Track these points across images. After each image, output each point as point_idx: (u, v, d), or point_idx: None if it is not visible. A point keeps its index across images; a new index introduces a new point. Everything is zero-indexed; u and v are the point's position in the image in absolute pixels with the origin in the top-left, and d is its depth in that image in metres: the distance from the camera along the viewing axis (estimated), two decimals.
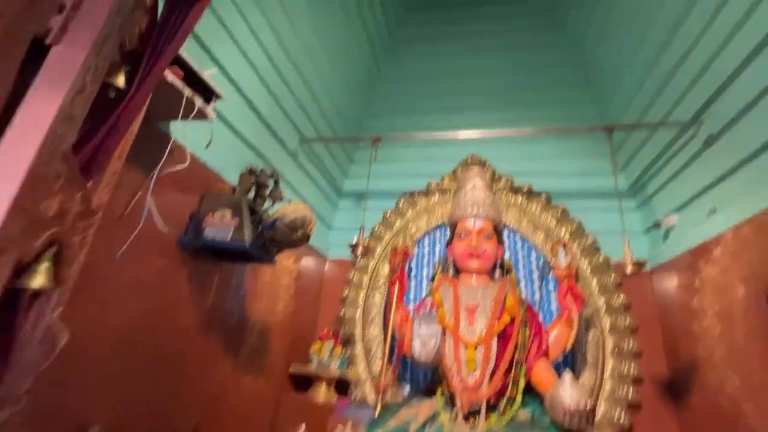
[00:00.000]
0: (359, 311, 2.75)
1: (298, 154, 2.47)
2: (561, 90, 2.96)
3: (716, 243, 1.89)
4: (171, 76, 1.10)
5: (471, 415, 1.82)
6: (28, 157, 0.55)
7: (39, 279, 0.61)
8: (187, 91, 1.16)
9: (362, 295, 2.79)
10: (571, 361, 2.36)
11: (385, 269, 2.81)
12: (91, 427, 1.11)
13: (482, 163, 2.88)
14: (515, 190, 2.83)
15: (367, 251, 2.14)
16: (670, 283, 2.31)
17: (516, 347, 1.95)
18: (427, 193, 2.99)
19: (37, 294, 0.63)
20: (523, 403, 1.88)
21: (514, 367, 1.92)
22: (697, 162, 1.98)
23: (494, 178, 2.85)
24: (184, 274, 1.57)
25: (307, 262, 2.79)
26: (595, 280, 2.47)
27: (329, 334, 2.62)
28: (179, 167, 1.30)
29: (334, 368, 2.45)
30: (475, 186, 2.39)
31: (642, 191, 2.55)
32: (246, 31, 1.79)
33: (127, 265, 1.25)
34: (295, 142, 2.41)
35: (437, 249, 2.90)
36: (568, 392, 1.63)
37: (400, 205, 2.98)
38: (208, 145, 1.25)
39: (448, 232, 2.83)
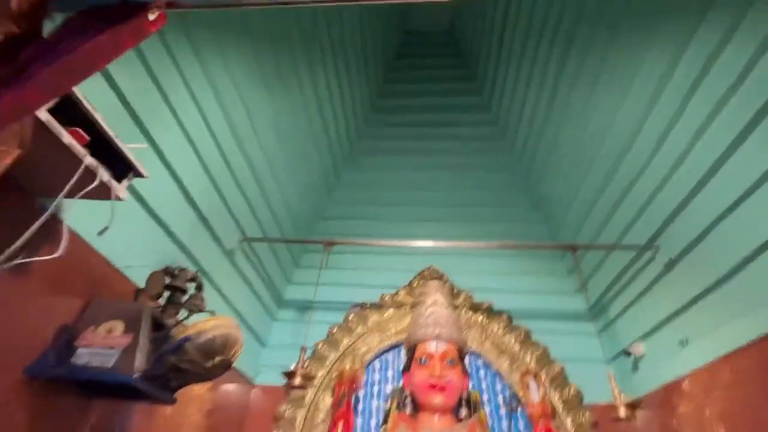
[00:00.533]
0: None
1: (235, 254, 2.12)
2: (514, 209, 3.05)
3: (691, 379, 1.74)
4: (68, 138, 0.82)
5: None
6: None
7: None
8: (89, 160, 0.87)
9: None
10: None
11: (327, 401, 2.29)
12: None
13: (441, 277, 2.70)
14: (475, 308, 2.62)
15: (307, 380, 1.70)
16: (648, 422, 2.06)
17: None
18: (380, 306, 2.68)
19: None
20: None
21: None
22: (660, 287, 1.94)
23: (453, 293, 2.65)
24: (32, 419, 1.04)
25: (226, 390, 2.20)
26: (569, 419, 2.15)
27: None
28: (55, 255, 0.93)
29: None
30: (437, 302, 2.15)
31: (603, 315, 2.45)
32: (195, 114, 1.61)
33: None
34: (234, 240, 2.08)
35: (390, 374, 2.47)
36: None
37: (349, 320, 2.60)
38: (102, 232, 0.92)
39: (404, 356, 2.46)
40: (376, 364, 2.50)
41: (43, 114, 0.76)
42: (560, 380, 2.28)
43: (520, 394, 2.21)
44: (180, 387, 1.18)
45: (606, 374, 1.73)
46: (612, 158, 2.03)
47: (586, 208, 2.38)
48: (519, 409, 2.23)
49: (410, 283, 2.76)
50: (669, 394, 1.91)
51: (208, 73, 1.62)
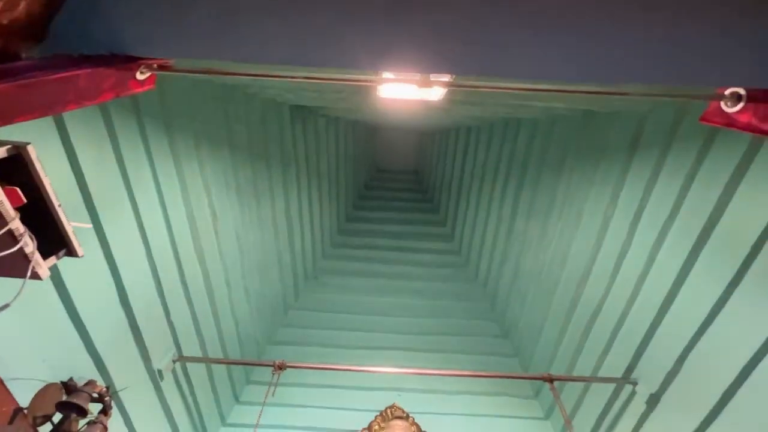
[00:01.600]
0: None
1: (163, 376, 1.76)
2: (481, 340, 2.91)
3: None
4: (0, 195, 0.71)
5: None
6: None
7: None
8: (16, 224, 0.74)
9: None
10: None
11: None
12: None
13: (406, 417, 2.33)
14: None
15: None
16: None
17: None
18: None
19: None
20: None
21: None
22: (649, 426, 1.75)
23: None
24: None
25: None
26: None
27: None
28: None
29: None
30: None
31: None
32: (156, 207, 1.53)
33: None
34: (166, 358, 1.76)
35: None
36: None
37: None
38: (0, 310, 0.72)
39: None
40: None
41: None
42: None
43: None
44: None
45: None
46: (573, 285, 2.07)
47: (555, 336, 2.31)
48: None
49: (369, 425, 2.35)
50: None
51: (180, 169, 1.61)
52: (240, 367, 2.46)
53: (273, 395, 1.90)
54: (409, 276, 3.28)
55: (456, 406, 2.54)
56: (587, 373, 2.04)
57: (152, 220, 1.53)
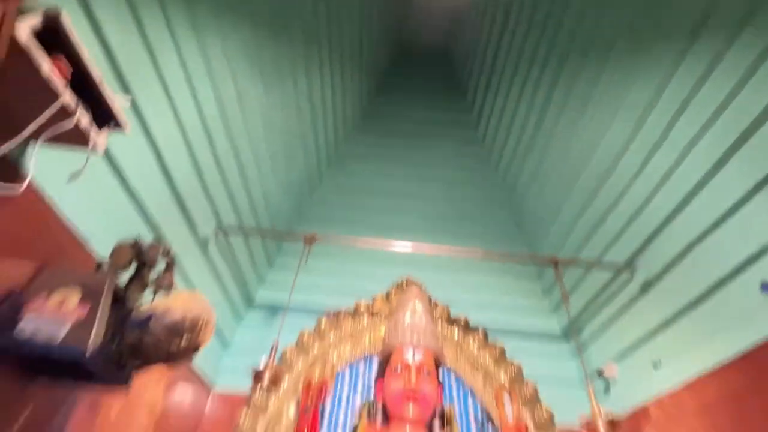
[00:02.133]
0: None
1: (209, 243, 1.99)
2: (494, 225, 3.07)
3: (658, 404, 1.76)
4: (48, 68, 0.73)
5: None
6: None
7: None
8: (68, 97, 0.78)
9: None
10: None
11: (292, 410, 2.14)
12: None
13: (419, 286, 2.64)
14: (451, 322, 2.57)
15: (274, 383, 1.58)
16: None
17: None
18: (354, 314, 2.58)
19: None
20: None
21: None
22: (636, 308, 1.97)
23: (431, 304, 2.60)
24: None
25: (181, 393, 2.03)
26: None
27: None
28: (13, 192, 0.81)
29: None
30: (416, 310, 2.09)
31: (578, 335, 2.46)
32: (183, 82, 1.52)
33: None
34: (209, 228, 1.96)
35: (360, 386, 2.35)
36: None
37: (322, 326, 2.49)
38: (74, 177, 0.82)
39: (376, 364, 2.36)
40: (347, 374, 2.38)
41: (23, 33, 0.67)
42: (533, 400, 2.24)
43: (493, 412, 2.16)
44: (136, 370, 1.05)
45: (580, 394, 1.71)
46: (596, 178, 2.08)
47: (567, 226, 2.42)
48: (490, 428, 2.16)
49: (387, 293, 2.69)
50: (638, 419, 1.91)
51: (202, 44, 1.55)
52: (268, 248, 2.72)
53: (306, 263, 2.16)
54: (430, 162, 3.31)
55: (464, 283, 2.83)
56: (591, 260, 2.20)
57: (182, 98, 1.54)
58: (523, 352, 2.46)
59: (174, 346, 0.97)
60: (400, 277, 2.72)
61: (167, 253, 1.21)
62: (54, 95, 0.77)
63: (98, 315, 0.97)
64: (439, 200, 3.17)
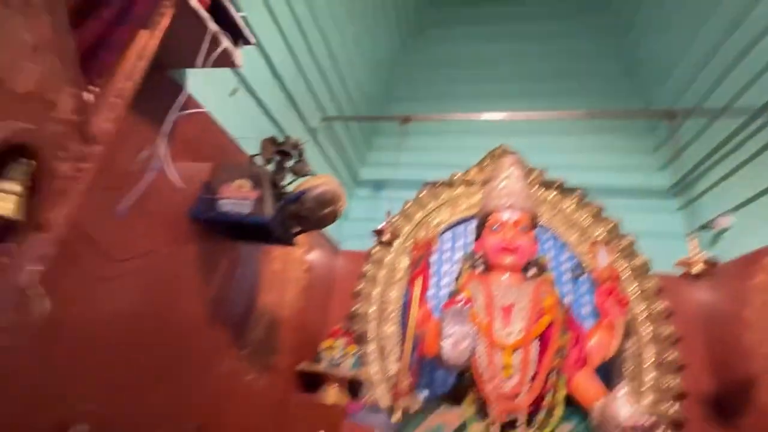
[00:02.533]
0: (374, 307, 2.55)
1: (318, 133, 2.27)
2: (600, 80, 2.77)
3: None
4: (195, 2, 0.90)
5: (507, 426, 1.62)
6: None
7: (6, 204, 0.40)
8: (214, 26, 0.96)
9: (377, 290, 2.60)
10: (603, 373, 2.17)
11: (403, 263, 2.62)
12: (77, 425, 0.90)
13: (514, 154, 2.68)
14: (547, 185, 2.64)
15: (394, 236, 1.94)
16: (718, 291, 2.12)
17: (555, 353, 1.76)
18: (450, 184, 2.79)
19: (2, 229, 0.42)
20: (563, 416, 1.68)
21: (552, 374, 1.73)
22: (762, 157, 1.79)
23: (526, 170, 2.65)
24: (192, 251, 1.37)
25: (319, 253, 2.59)
26: (634, 285, 2.27)
27: (341, 332, 2.42)
28: (191, 111, 1.10)
29: (346, 368, 2.25)
30: (511, 176, 2.20)
31: (688, 190, 2.35)
32: None
33: (129, 232, 1.05)
34: (316, 119, 2.21)
35: (459, 244, 2.70)
36: (624, 407, 1.43)
37: (422, 196, 2.78)
38: (233, 93, 1.07)
39: (475, 226, 2.64)
40: (447, 235, 2.73)
41: None
42: (629, 251, 2.34)
43: (587, 262, 2.34)
44: (298, 233, 1.44)
45: (681, 247, 1.75)
46: (733, 13, 1.70)
47: (691, 72, 2.11)
48: (584, 275, 2.38)
49: (481, 162, 2.80)
50: (747, 264, 1.91)
51: None
52: (365, 131, 2.91)
53: (403, 142, 2.34)
54: (524, 16, 2.94)
55: (564, 146, 2.76)
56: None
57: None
58: (626, 210, 2.47)
59: (322, 212, 1.30)
60: (495, 147, 2.77)
61: (296, 145, 1.48)
62: (202, 29, 0.95)
63: (266, 195, 1.32)
64: (536, 58, 2.90)
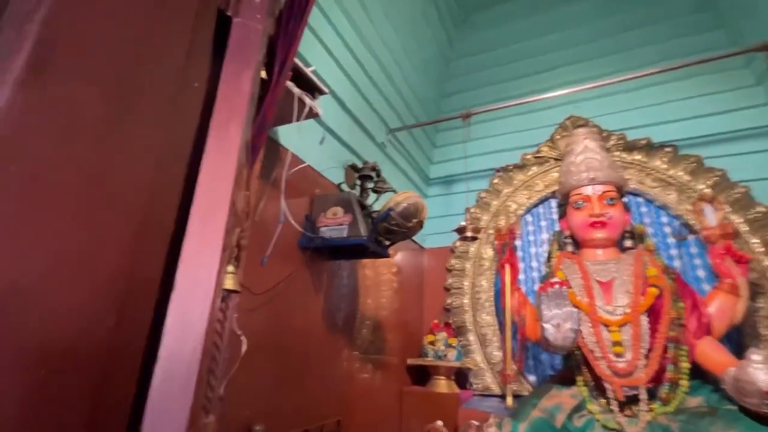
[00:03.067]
0: (467, 299, 2.64)
1: (386, 146, 2.42)
2: (673, 21, 2.51)
3: None
4: (289, 82, 1.09)
5: (626, 404, 1.60)
6: (235, 138, 0.53)
7: (229, 281, 0.61)
8: (299, 92, 1.15)
9: (467, 282, 2.67)
10: (735, 338, 1.98)
11: (488, 252, 2.66)
12: (257, 425, 1.16)
13: (585, 123, 2.56)
14: (630, 147, 2.47)
15: (476, 232, 2.01)
16: None
17: (670, 324, 1.68)
18: (522, 166, 2.75)
19: (223, 298, 0.63)
20: (690, 388, 1.61)
21: (670, 346, 1.65)
22: None
23: (602, 137, 2.52)
24: (303, 274, 1.61)
25: (405, 255, 2.75)
26: (756, 238, 2.04)
27: (441, 326, 2.55)
28: (299, 167, 1.31)
29: (452, 359, 2.37)
30: (587, 148, 2.12)
31: None
32: (328, 28, 1.77)
33: (265, 270, 1.30)
34: (382, 133, 2.36)
35: (543, 225, 2.66)
36: (761, 371, 1.33)
37: (494, 184, 2.79)
38: (322, 141, 1.25)
39: (557, 206, 2.58)
40: (528, 217, 2.70)
41: None
42: (744, 201, 2.11)
43: (693, 222, 2.15)
44: (390, 245, 1.60)
45: None
46: None
47: None
48: (691, 236, 2.20)
49: (551, 137, 2.71)
50: None
51: None
52: (428, 131, 2.99)
53: (469, 138, 2.39)
54: None
55: (644, 101, 2.56)
56: None
57: (328, 37, 1.79)
58: (733, 155, 2.23)
59: (409, 224, 1.44)
60: (564, 119, 2.66)
61: (374, 168, 1.64)
62: (291, 93, 1.14)
63: (358, 218, 1.49)
64: (598, 15, 2.71)
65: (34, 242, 0.41)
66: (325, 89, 1.30)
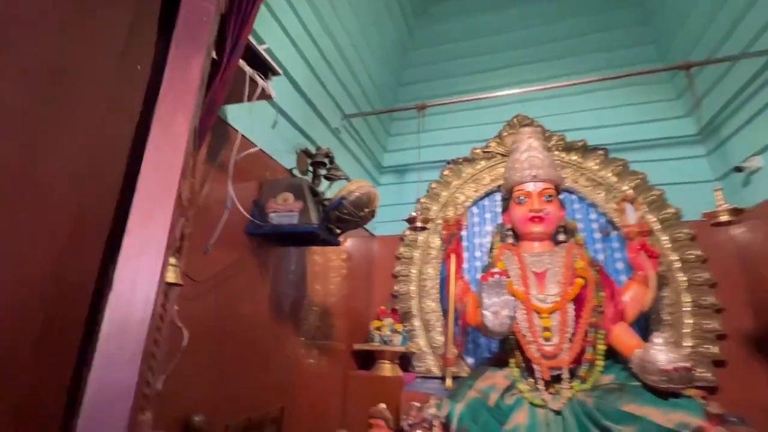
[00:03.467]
0: (414, 286, 2.72)
1: (340, 131, 2.39)
2: (613, 33, 2.71)
3: None
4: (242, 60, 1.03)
5: (551, 383, 1.77)
6: (182, 131, 0.48)
7: (171, 274, 0.57)
8: (248, 69, 1.09)
9: (415, 269, 2.75)
10: (643, 322, 2.26)
11: (436, 242, 2.75)
12: (196, 416, 1.12)
13: (531, 122, 2.71)
14: (568, 148, 2.66)
15: (426, 223, 2.07)
16: (754, 233, 2.13)
17: (592, 311, 1.87)
18: (471, 160, 2.86)
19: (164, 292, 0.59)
20: (604, 368, 1.81)
21: (590, 331, 1.85)
22: None
23: (545, 136, 2.68)
24: (249, 261, 1.56)
25: (355, 242, 2.76)
26: (666, 236, 2.32)
27: (387, 312, 2.61)
28: (250, 151, 1.25)
29: (397, 344, 2.45)
30: (531, 146, 2.25)
31: (714, 135, 2.33)
32: (284, 5, 1.68)
33: (209, 257, 1.24)
34: (337, 119, 2.32)
35: (488, 217, 2.80)
36: (662, 353, 1.54)
37: (445, 175, 2.87)
38: (275, 125, 1.20)
39: (501, 200, 2.72)
40: (474, 209, 2.83)
41: None
42: (659, 203, 2.37)
43: (616, 220, 2.39)
44: (341, 233, 1.60)
45: (712, 194, 1.76)
46: None
47: (707, 17, 2.05)
48: (614, 232, 2.44)
49: (499, 134, 2.84)
50: None
51: None
52: (383, 119, 2.99)
53: (423, 130, 2.43)
54: None
55: (584, 106, 2.75)
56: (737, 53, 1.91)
57: (285, 15, 1.71)
58: (653, 161, 2.48)
59: (361, 214, 1.44)
60: (512, 117, 2.79)
61: (327, 154, 1.61)
62: (242, 72, 1.08)
63: (309, 205, 1.47)
64: (542, 21, 2.85)
65: None
66: (279, 70, 1.24)
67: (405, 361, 2.55)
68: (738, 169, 2.11)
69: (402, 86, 3.19)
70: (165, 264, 0.45)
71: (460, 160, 2.87)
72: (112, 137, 0.50)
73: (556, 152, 2.67)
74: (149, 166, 0.48)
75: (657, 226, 2.35)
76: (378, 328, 2.52)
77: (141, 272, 0.44)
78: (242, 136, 1.28)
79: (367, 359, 2.52)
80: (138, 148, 0.51)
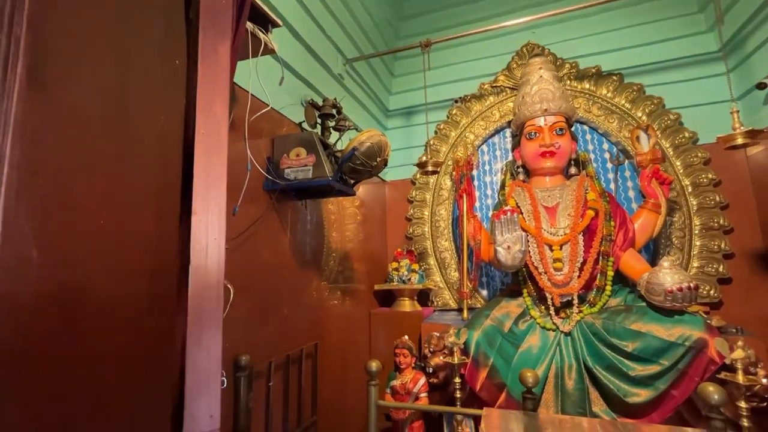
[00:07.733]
0: (427, 227, 2.81)
1: (343, 77, 2.32)
2: None
3: None
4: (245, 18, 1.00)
5: (561, 308, 1.89)
6: (222, 116, 0.52)
7: None
8: (251, 26, 1.06)
9: (427, 211, 2.82)
10: (652, 245, 2.32)
11: (447, 183, 2.78)
12: (243, 356, 1.27)
13: (541, 51, 2.58)
14: (581, 76, 2.55)
15: (437, 166, 2.09)
16: None
17: (602, 240, 1.93)
18: (480, 96, 2.78)
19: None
20: (613, 292, 1.92)
21: (601, 258, 1.93)
22: None
23: (557, 65, 2.57)
24: (272, 216, 1.63)
25: (368, 189, 2.81)
26: (678, 162, 2.29)
27: (403, 253, 2.73)
28: (262, 112, 1.26)
29: (415, 282, 2.60)
30: (542, 78, 2.17)
31: (737, 50, 2.20)
32: None
33: (236, 217, 1.31)
34: (339, 65, 2.25)
35: (498, 154, 2.78)
36: (668, 275, 1.62)
37: (453, 114, 2.82)
38: (281, 82, 1.20)
39: (510, 135, 2.69)
40: (484, 147, 2.81)
41: None
42: (674, 128, 2.32)
43: (629, 148, 2.36)
44: (356, 183, 1.64)
45: (729, 113, 1.72)
46: None
47: None
48: (626, 161, 2.42)
49: (508, 66, 2.72)
50: None
51: None
52: (386, 60, 2.86)
53: (429, 68, 2.34)
54: None
55: (597, 26, 2.58)
56: None
57: None
58: (670, 83, 2.38)
59: (374, 163, 1.47)
60: (521, 45, 2.66)
61: (334, 105, 1.60)
62: (245, 30, 1.06)
63: (322, 158, 1.50)
64: None
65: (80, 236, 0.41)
66: (279, 21, 1.21)
67: (423, 296, 2.72)
68: (761, 86, 2.02)
69: (403, 21, 3.02)
70: (223, 230, 0.51)
71: (468, 97, 2.80)
72: (171, 130, 0.54)
73: (568, 82, 2.57)
74: (201, 152, 0.52)
75: (670, 152, 2.32)
76: (396, 269, 2.66)
77: (210, 244, 0.51)
78: (252, 95, 1.28)
79: (388, 298, 2.70)
80: (188, 137, 0.55)
